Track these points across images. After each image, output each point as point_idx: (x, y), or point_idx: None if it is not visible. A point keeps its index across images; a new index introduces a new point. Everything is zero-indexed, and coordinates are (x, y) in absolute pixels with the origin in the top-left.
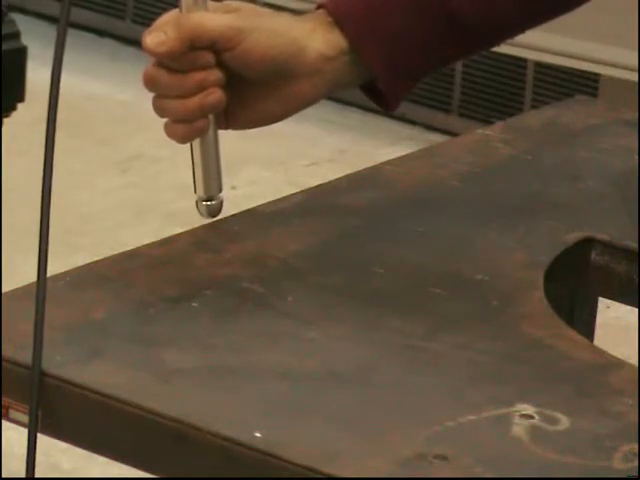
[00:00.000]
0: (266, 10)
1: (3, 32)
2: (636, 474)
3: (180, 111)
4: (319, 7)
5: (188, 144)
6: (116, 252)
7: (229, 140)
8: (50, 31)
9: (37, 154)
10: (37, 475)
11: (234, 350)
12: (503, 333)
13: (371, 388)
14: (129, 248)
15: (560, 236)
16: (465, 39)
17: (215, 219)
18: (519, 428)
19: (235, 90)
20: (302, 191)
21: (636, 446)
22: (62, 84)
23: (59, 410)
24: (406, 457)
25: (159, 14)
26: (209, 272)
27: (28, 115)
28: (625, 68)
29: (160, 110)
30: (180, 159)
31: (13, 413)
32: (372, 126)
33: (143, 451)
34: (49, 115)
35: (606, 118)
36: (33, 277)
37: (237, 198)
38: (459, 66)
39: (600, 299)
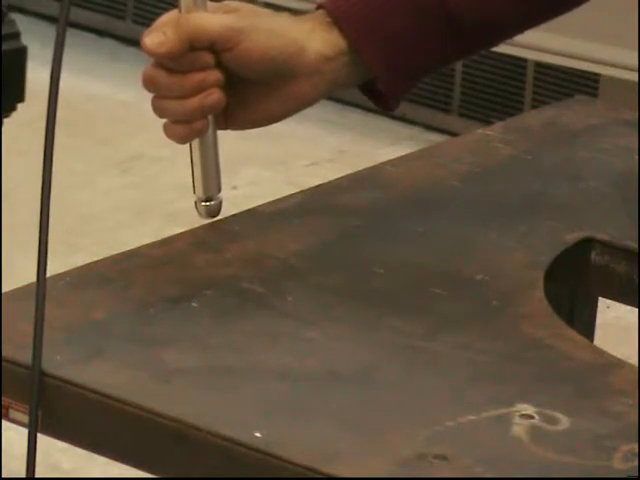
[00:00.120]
0: (265, 10)
1: (3, 32)
2: (636, 474)
3: (179, 112)
4: (318, 7)
5: (188, 144)
6: (116, 252)
7: (229, 140)
8: (50, 31)
9: (37, 154)
10: (37, 475)
11: (234, 350)
12: (503, 333)
13: (371, 388)
14: (129, 248)
15: (560, 236)
16: (465, 39)
17: (215, 219)
18: (519, 428)
19: (234, 90)
20: (302, 191)
21: (636, 446)
22: (62, 84)
23: (59, 410)
24: (406, 457)
25: (159, 14)
26: (209, 272)
27: (28, 115)
28: (625, 68)
29: (159, 111)
30: (180, 159)
31: (13, 413)
32: (372, 126)
33: (143, 451)
34: (48, 115)
35: (606, 118)
36: (33, 277)
37: (237, 198)
38: (459, 66)
39: (600, 299)
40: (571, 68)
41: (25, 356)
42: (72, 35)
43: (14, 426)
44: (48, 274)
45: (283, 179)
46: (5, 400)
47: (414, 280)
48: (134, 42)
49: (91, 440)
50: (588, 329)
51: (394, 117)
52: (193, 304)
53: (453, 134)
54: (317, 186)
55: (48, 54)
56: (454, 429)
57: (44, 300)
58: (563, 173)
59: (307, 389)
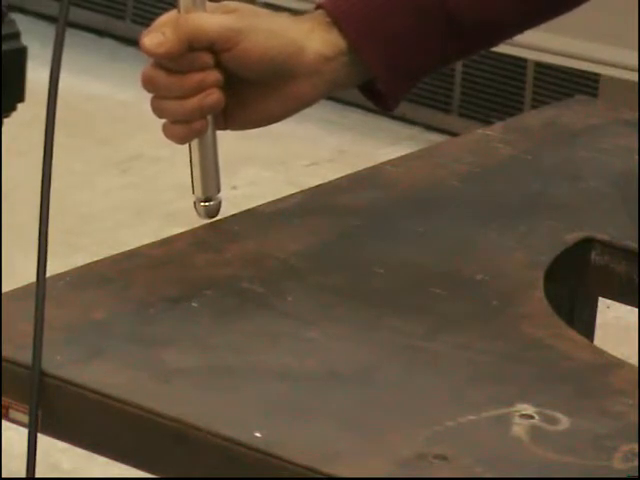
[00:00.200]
0: (264, 10)
1: (3, 32)
2: (636, 474)
3: (179, 112)
4: (318, 7)
5: (187, 145)
6: (116, 252)
7: (229, 140)
8: (50, 31)
9: (37, 154)
10: (37, 475)
11: (234, 350)
12: (503, 333)
13: (371, 388)
14: (129, 248)
15: (560, 236)
16: (465, 39)
17: (214, 219)
18: (519, 428)
19: (234, 91)
20: (302, 191)
21: (636, 446)
22: (62, 84)
23: (59, 410)
24: (406, 457)
25: (159, 14)
26: (209, 272)
27: (28, 115)
28: (625, 68)
29: (159, 111)
30: (180, 159)
31: (13, 413)
32: (372, 126)
33: (143, 451)
34: (48, 115)
35: (606, 118)
36: (33, 277)
37: (237, 198)
38: (459, 66)
39: (600, 299)
40: (571, 68)
41: (25, 356)
42: (72, 35)
43: (14, 426)
44: (48, 274)
45: (283, 179)
46: (5, 400)
47: (414, 280)
48: (134, 42)
49: (91, 440)
50: (588, 329)
51: (394, 117)
52: (193, 304)
53: (453, 134)
54: (317, 186)
55: (48, 54)
56: (454, 429)
57: (44, 300)
58: (563, 173)
59: (307, 389)
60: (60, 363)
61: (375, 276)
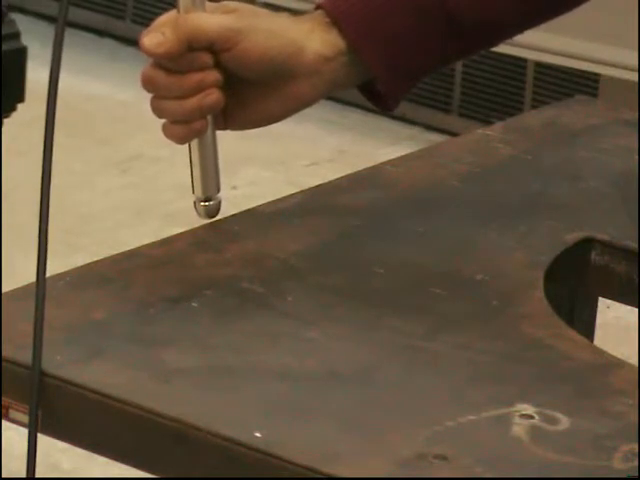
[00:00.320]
0: (264, 10)
1: (3, 32)
2: (636, 474)
3: (178, 112)
4: (317, 7)
5: (187, 145)
6: (116, 252)
7: (229, 140)
8: (50, 31)
9: (37, 154)
10: (37, 475)
11: (234, 350)
12: (503, 333)
13: (371, 388)
14: (129, 248)
15: (560, 236)
16: (465, 39)
17: (214, 219)
18: (519, 428)
19: (233, 91)
20: (302, 191)
21: (636, 446)
22: (62, 84)
23: (59, 410)
24: (406, 457)
25: (158, 14)
26: (209, 272)
27: (28, 115)
28: (625, 68)
29: (158, 111)
30: (179, 159)
31: (13, 413)
32: (372, 126)
33: (143, 451)
34: (47, 115)
35: (606, 118)
36: (33, 277)
37: (237, 198)
38: (459, 66)
39: (600, 299)
40: (571, 68)
41: (25, 356)
42: (71, 35)
43: (14, 426)
44: (48, 274)
45: (283, 179)
46: (5, 400)
47: (414, 280)
48: (133, 42)
49: (91, 440)
50: (588, 329)
51: (394, 117)
52: (193, 304)
53: (453, 134)
54: (317, 186)
55: (48, 54)
56: (454, 429)
57: (44, 300)
58: (563, 173)
59: (307, 389)
60: (60, 363)
61: (375, 276)
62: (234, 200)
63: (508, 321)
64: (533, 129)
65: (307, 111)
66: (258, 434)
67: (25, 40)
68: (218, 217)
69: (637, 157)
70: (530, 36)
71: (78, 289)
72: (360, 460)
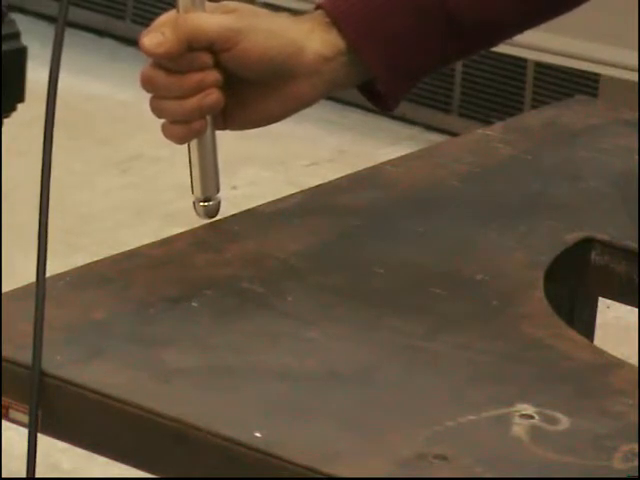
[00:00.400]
0: (264, 11)
1: (3, 32)
2: (636, 474)
3: (178, 112)
4: (317, 7)
5: (186, 145)
6: (116, 252)
7: (229, 140)
8: (50, 31)
9: (37, 154)
10: (37, 475)
11: (234, 350)
12: (503, 333)
13: (371, 388)
14: (129, 248)
15: (560, 236)
16: (465, 39)
17: (214, 219)
18: (519, 428)
19: (233, 91)
20: (302, 191)
21: (636, 446)
22: (62, 84)
23: (59, 410)
24: (406, 457)
25: (158, 14)
26: (209, 272)
27: (28, 115)
28: (625, 68)
29: (158, 111)
30: (179, 159)
31: (13, 413)
32: (372, 126)
33: (143, 451)
34: (47, 115)
35: (606, 118)
36: (33, 277)
37: (237, 198)
38: (459, 66)
39: (600, 299)
40: (571, 68)
41: (25, 356)
42: (71, 35)
43: (14, 426)
44: (48, 274)
45: (283, 179)
46: (5, 400)
47: (414, 280)
48: (133, 42)
49: (91, 440)
50: (588, 329)
51: (394, 117)
52: (193, 304)
53: (453, 134)
54: (317, 186)
55: (48, 54)
56: (454, 429)
57: (44, 300)
58: (563, 173)
59: (307, 389)
60: (60, 363)
61: (375, 276)
62: (234, 200)
63: (508, 321)
64: (533, 129)
65: (307, 111)
66: (258, 434)
67: (25, 40)
68: (218, 217)
69: (637, 157)
70: (530, 36)
71: (78, 289)
72: (360, 460)
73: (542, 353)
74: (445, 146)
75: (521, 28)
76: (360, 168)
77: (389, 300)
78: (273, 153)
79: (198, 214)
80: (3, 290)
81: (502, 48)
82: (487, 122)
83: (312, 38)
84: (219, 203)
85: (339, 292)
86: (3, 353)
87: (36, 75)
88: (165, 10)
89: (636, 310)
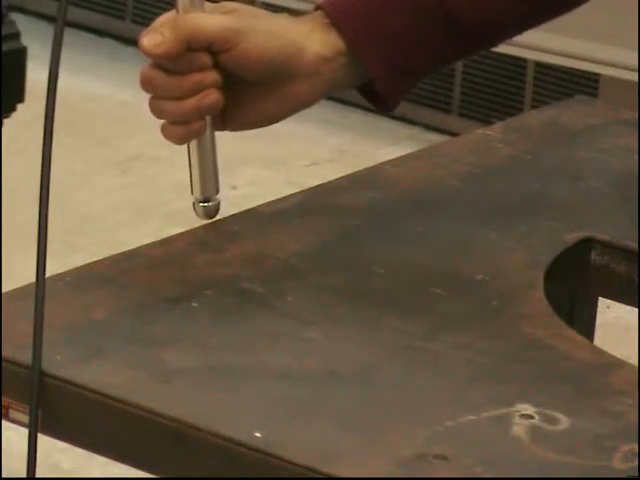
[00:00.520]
0: (263, 11)
1: (3, 32)
2: (636, 474)
3: (177, 112)
4: (317, 8)
5: (186, 145)
6: (116, 252)
7: (228, 140)
8: (50, 31)
9: (37, 154)
10: (37, 475)
11: (234, 350)
12: (503, 333)
13: (371, 388)
14: (129, 248)
15: (560, 236)
16: (464, 39)
17: (214, 219)
18: (519, 428)
19: (232, 91)
20: (302, 191)
21: (636, 446)
22: (62, 84)
23: (59, 410)
24: (406, 457)
25: (158, 14)
26: (209, 272)
27: (28, 115)
28: (625, 68)
29: (157, 111)
30: (179, 159)
31: (13, 413)
32: (372, 126)
33: (143, 451)
34: (47, 115)
35: (606, 118)
36: (33, 277)
37: (237, 198)
38: (459, 66)
39: (600, 299)
40: (571, 68)
41: (25, 356)
42: (71, 35)
43: (14, 426)
44: (48, 274)
45: (283, 179)
46: (5, 400)
47: (414, 280)
48: (133, 42)
49: (91, 440)
50: (588, 329)
51: (394, 117)
52: (193, 304)
53: (453, 134)
54: (317, 186)
55: (48, 54)
56: (454, 429)
57: (44, 300)
58: (563, 173)
59: (307, 389)
60: (60, 363)
61: (375, 276)
62: (234, 200)
63: (508, 321)
64: (533, 129)
65: (307, 111)
66: (258, 434)
67: (25, 40)
68: (218, 217)
69: (637, 157)
70: (530, 36)
71: (78, 289)
72: (360, 460)
73: (542, 353)
74: (445, 146)
75: (521, 28)
76: (360, 168)
77: (389, 300)
78: (273, 153)
79: (198, 215)
80: (3, 290)
81: (502, 48)
82: (487, 122)
83: (311, 39)
84: (219, 204)
85: (339, 292)
86: (3, 353)
87: (36, 75)
88: (165, 10)
89: (636, 310)
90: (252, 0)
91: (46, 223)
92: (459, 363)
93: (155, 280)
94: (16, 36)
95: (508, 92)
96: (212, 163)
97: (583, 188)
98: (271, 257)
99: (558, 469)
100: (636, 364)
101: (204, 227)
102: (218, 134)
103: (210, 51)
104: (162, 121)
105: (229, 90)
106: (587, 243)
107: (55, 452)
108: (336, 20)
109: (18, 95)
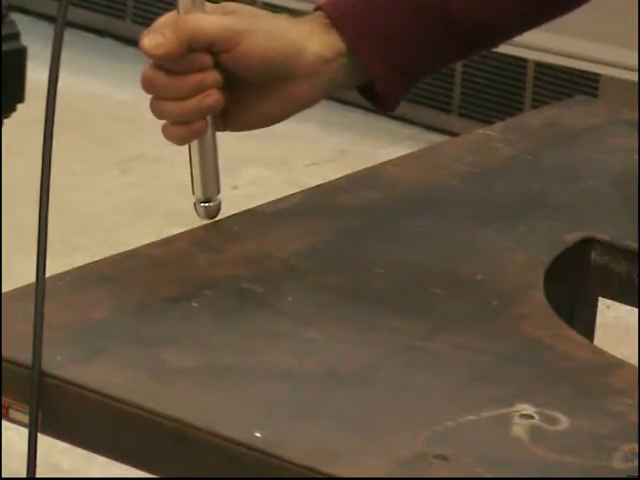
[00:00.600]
0: (263, 12)
1: (3, 33)
2: (636, 474)
3: (178, 113)
4: (317, 9)
5: (187, 145)
6: (116, 252)
7: (229, 140)
8: (50, 31)
9: (37, 154)
10: (37, 475)
11: (234, 350)
12: (503, 333)
13: (371, 388)
14: (129, 248)
15: (560, 236)
16: (464, 40)
17: (215, 219)
18: (519, 428)
19: (233, 92)
20: (302, 191)
21: (636, 446)
22: (62, 84)
23: (59, 410)
24: (406, 457)
25: (159, 14)
26: (209, 272)
27: (28, 115)
28: (625, 68)
29: (158, 112)
30: (180, 159)
31: (13, 413)
32: (372, 126)
33: (143, 451)
34: (47, 115)
35: (606, 118)
36: (33, 277)
37: (237, 198)
38: (459, 66)
39: (600, 299)
40: (571, 68)
41: (25, 356)
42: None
43: (14, 426)
44: (48, 274)
45: (283, 179)
46: (5, 400)
47: (414, 280)
48: (134, 42)
49: (91, 440)
50: (588, 329)
51: (394, 117)
52: (193, 304)
53: (453, 134)
54: (317, 186)
55: (48, 54)
56: (454, 429)
57: (44, 300)
58: (563, 173)
59: (307, 389)
60: (60, 363)
61: (375, 276)
62: (234, 200)
63: (508, 321)
64: (533, 129)
65: (307, 111)
66: (258, 434)
67: (25, 40)
68: (218, 217)
69: (637, 157)
70: (530, 36)
71: (78, 289)
72: (360, 460)
73: (542, 353)
74: (445, 146)
75: (521, 29)
76: (360, 168)
77: (389, 300)
78: (273, 153)
79: (199, 215)
80: (3, 290)
81: (502, 48)
82: (487, 122)
83: (312, 39)
84: (220, 204)
85: (339, 292)
86: (3, 353)
87: (36, 75)
88: (165, 10)
89: (636, 310)
90: (253, 0)
91: (46, 223)
92: (459, 363)
93: (155, 280)
94: (16, 36)
95: (508, 92)
96: (213, 163)
97: (583, 188)
98: (271, 257)
99: (558, 469)
100: (636, 364)
101: (204, 227)
102: (219, 134)
103: (211, 52)
104: (163, 121)
105: (230, 90)
106: (587, 243)
107: (55, 452)
108: (336, 21)
109: (18, 95)
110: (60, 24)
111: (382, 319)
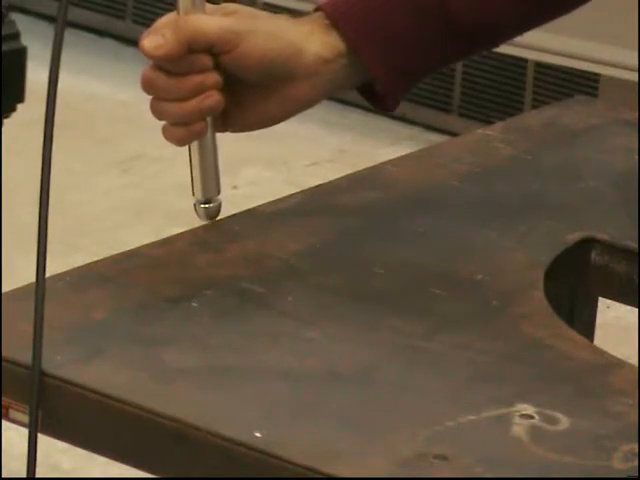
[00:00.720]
0: (263, 13)
1: (3, 33)
2: (636, 474)
3: (178, 114)
4: (317, 9)
5: (187, 146)
6: (116, 252)
7: (230, 140)
8: (50, 31)
9: (37, 154)
10: (37, 475)
11: (234, 350)
12: (503, 333)
13: (371, 388)
14: (129, 248)
15: (560, 236)
16: (464, 40)
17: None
18: (519, 428)
19: (233, 93)
20: (302, 191)
21: (636, 446)
22: (62, 84)
23: (59, 410)
24: (406, 457)
25: (159, 14)
26: (209, 272)
27: (28, 115)
28: (625, 68)
29: (158, 113)
30: (180, 159)
31: (13, 413)
32: (372, 126)
33: (143, 451)
34: (47, 115)
35: (606, 118)
36: (33, 277)
37: (237, 198)
38: (459, 66)
39: (600, 299)
40: (571, 68)
41: (25, 356)
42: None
43: (14, 426)
44: (48, 274)
45: (283, 179)
46: (5, 400)
47: (414, 280)
48: (134, 42)
49: (91, 440)
50: (588, 329)
51: (394, 117)
52: (193, 304)
53: (453, 134)
54: (317, 186)
55: (48, 54)
56: (454, 429)
57: (44, 300)
58: (563, 173)
59: (307, 389)
60: (60, 363)
61: (375, 276)
62: (234, 200)
63: (508, 321)
64: (533, 129)
65: (308, 111)
66: (258, 434)
67: (25, 40)
68: (218, 217)
69: (637, 157)
70: (530, 36)
71: (78, 289)
72: (360, 460)
73: (542, 353)
74: (445, 146)
75: (521, 29)
76: (360, 168)
77: (389, 300)
78: (274, 153)
79: (199, 216)
80: (3, 290)
81: (502, 48)
82: (487, 122)
83: (312, 40)
84: (220, 205)
85: (339, 292)
86: (3, 353)
87: (36, 75)
88: (165, 10)
89: (636, 310)
90: (253, 1)
91: (46, 223)
92: (459, 363)
93: (155, 280)
94: (16, 36)
95: (508, 92)
96: (213, 164)
97: (583, 188)
98: (271, 257)
99: (558, 469)
100: (636, 364)
101: (204, 227)
102: (219, 134)
103: (211, 53)
104: (163, 122)
105: (230, 91)
106: (587, 243)
107: (55, 452)
108: (336, 21)
109: (18, 95)
110: (60, 24)
111: (382, 319)
